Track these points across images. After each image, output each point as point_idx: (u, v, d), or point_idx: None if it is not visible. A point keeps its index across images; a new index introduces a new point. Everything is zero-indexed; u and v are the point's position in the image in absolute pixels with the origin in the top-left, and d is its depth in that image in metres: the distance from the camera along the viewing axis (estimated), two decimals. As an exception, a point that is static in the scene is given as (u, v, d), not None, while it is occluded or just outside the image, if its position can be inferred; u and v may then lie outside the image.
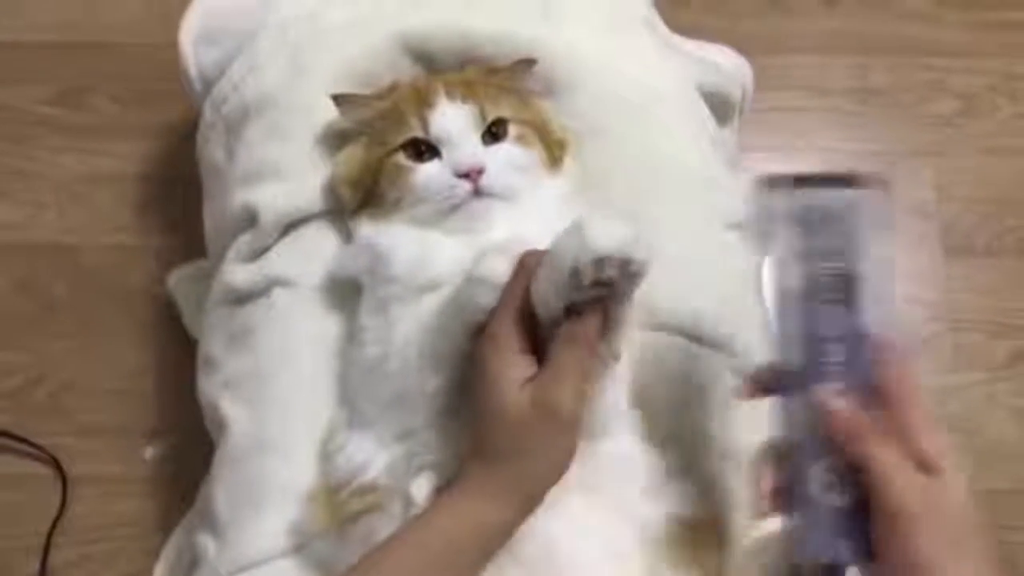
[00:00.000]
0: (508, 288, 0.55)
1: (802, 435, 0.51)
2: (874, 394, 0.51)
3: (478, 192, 0.65)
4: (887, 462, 0.48)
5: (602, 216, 0.50)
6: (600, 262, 0.49)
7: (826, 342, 0.51)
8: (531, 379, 0.53)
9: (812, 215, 0.51)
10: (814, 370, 0.51)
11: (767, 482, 0.52)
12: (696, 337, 0.70)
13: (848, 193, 0.51)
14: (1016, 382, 0.98)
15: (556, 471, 0.55)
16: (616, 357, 0.58)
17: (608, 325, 0.55)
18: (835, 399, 0.50)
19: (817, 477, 0.50)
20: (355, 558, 0.57)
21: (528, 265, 0.54)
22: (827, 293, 0.51)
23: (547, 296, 0.53)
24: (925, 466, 0.48)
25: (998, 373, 0.99)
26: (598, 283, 0.51)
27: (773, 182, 0.52)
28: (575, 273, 0.50)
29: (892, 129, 1.08)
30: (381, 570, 0.55)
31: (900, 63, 1.11)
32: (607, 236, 0.49)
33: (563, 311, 0.53)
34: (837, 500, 0.50)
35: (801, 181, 0.52)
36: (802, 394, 0.51)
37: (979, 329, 1.00)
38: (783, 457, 0.52)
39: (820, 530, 0.50)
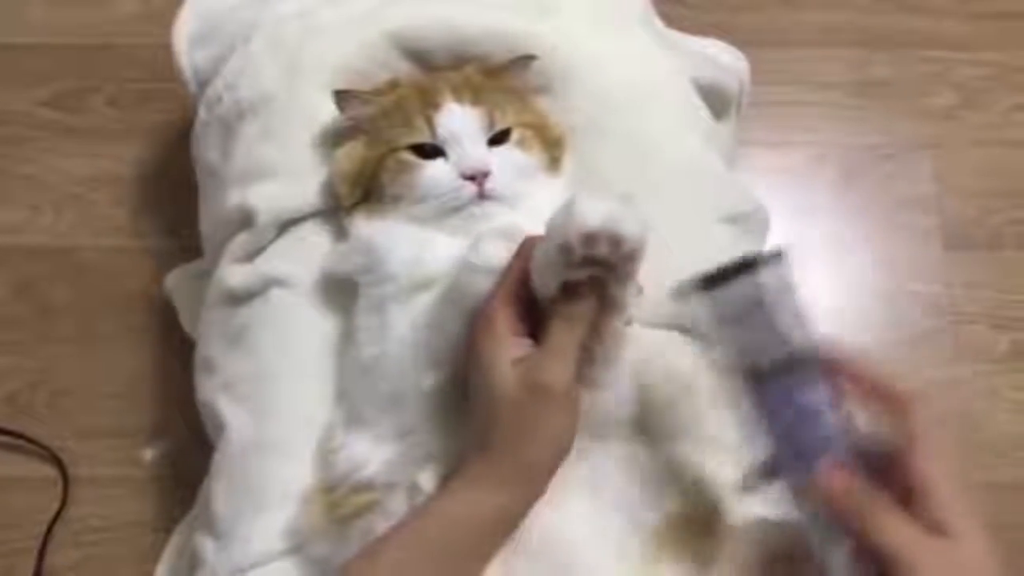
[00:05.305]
0: (504, 272, 0.55)
1: (813, 525, 0.50)
2: (873, 456, 0.50)
3: (483, 195, 0.65)
4: (893, 534, 0.46)
5: (593, 194, 0.50)
6: (589, 238, 0.49)
7: (796, 424, 0.50)
8: (524, 359, 0.53)
9: (733, 313, 0.50)
10: (801, 458, 0.51)
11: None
12: (691, 331, 0.70)
13: (755, 279, 0.50)
14: (1018, 375, 0.97)
15: (555, 455, 0.54)
16: (616, 341, 0.57)
17: (605, 307, 0.54)
18: (832, 477, 0.49)
19: (840, 564, 0.49)
20: (354, 557, 0.57)
21: (528, 249, 0.54)
22: (780, 377, 0.50)
23: (543, 275, 0.52)
24: (937, 529, 0.46)
25: (1000, 366, 0.98)
26: (591, 261, 0.50)
27: (684, 290, 0.51)
28: (565, 249, 0.50)
29: (892, 122, 1.07)
30: (381, 560, 0.55)
31: (899, 56, 1.10)
32: (594, 211, 0.49)
33: (559, 290, 0.53)
34: None
35: (710, 282, 0.51)
36: (800, 483, 0.51)
37: (980, 322, 0.99)
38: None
39: None
